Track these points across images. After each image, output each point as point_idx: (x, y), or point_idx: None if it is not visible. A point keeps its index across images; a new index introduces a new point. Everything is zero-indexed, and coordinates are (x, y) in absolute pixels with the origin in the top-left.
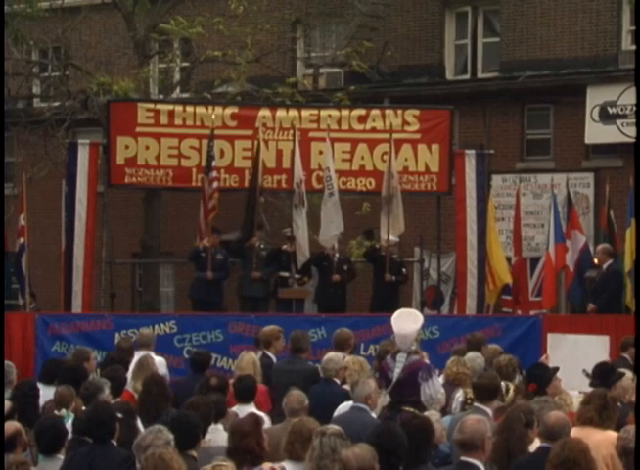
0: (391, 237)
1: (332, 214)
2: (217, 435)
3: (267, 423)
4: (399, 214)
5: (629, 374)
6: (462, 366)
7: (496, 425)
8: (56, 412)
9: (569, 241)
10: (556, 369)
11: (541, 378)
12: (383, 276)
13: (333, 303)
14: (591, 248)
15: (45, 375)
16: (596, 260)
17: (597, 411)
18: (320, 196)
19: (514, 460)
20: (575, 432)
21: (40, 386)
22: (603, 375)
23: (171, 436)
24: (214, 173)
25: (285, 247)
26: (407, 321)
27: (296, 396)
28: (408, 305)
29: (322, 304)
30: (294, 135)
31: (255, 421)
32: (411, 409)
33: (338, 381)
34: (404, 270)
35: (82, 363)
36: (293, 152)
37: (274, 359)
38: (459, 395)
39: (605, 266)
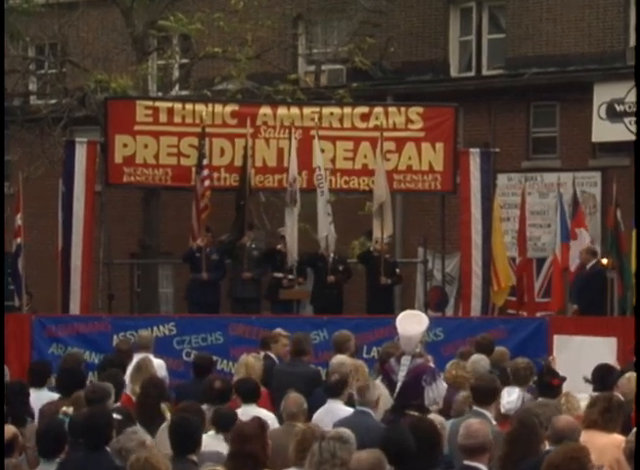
0: (384, 238)
1: (320, 215)
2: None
3: (276, 424)
4: (389, 215)
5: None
6: (461, 369)
7: (506, 432)
8: (64, 408)
9: (573, 241)
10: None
11: (558, 374)
12: (376, 278)
13: (329, 304)
14: (598, 248)
15: (35, 378)
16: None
17: (601, 414)
18: None
19: (521, 463)
20: (582, 436)
21: (30, 390)
22: (603, 377)
23: (147, 437)
24: (205, 172)
25: (279, 247)
26: (412, 323)
27: (293, 399)
28: (411, 307)
29: (318, 305)
30: (289, 133)
31: (260, 425)
32: (415, 413)
33: None
34: (398, 271)
35: (79, 366)
36: (289, 149)
37: (276, 360)
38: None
39: (588, 266)
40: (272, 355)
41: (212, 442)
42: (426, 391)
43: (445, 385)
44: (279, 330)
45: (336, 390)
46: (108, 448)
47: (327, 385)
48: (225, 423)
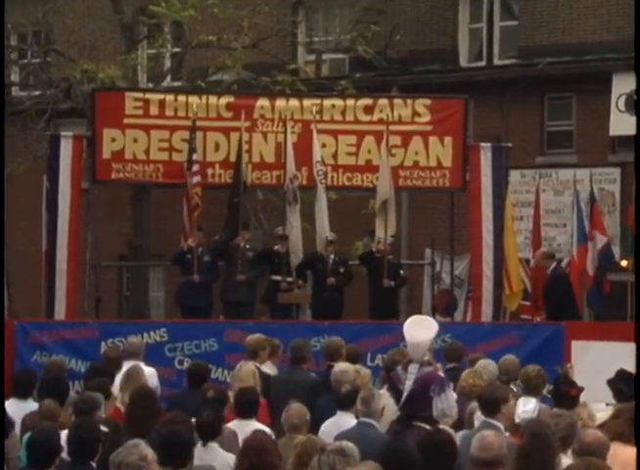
0: (388, 238)
1: (322, 213)
2: (213, 454)
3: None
4: (392, 213)
5: None
6: (478, 378)
7: (518, 446)
8: None
9: (590, 243)
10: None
11: (576, 384)
12: (379, 281)
13: (328, 308)
14: (618, 248)
15: (19, 388)
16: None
17: (628, 426)
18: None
19: None
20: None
21: (14, 402)
22: (627, 385)
23: (148, 451)
24: (196, 167)
25: (277, 247)
26: (420, 329)
27: (296, 410)
28: (418, 312)
29: (317, 309)
30: (285, 126)
31: (272, 438)
32: (424, 425)
33: None
34: (402, 272)
35: (62, 374)
36: (285, 144)
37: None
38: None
39: (549, 271)
40: (258, 365)
41: (210, 454)
42: (434, 401)
43: (455, 395)
44: (262, 336)
45: (346, 402)
46: (93, 463)
47: (338, 396)
48: (213, 428)
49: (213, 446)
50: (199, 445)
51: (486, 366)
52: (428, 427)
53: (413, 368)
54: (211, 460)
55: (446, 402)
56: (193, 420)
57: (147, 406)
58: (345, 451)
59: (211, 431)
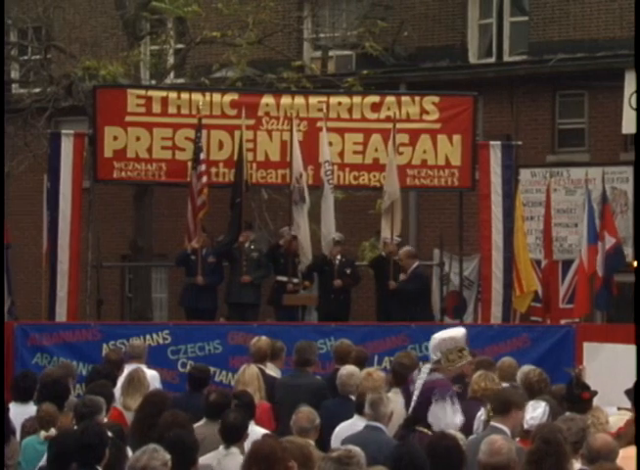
0: (394, 238)
1: (327, 214)
2: (232, 460)
3: None
4: (399, 213)
5: None
6: (490, 381)
7: (528, 451)
8: (43, 433)
9: (600, 243)
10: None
11: (589, 387)
12: (386, 283)
13: (335, 310)
14: (630, 250)
15: (20, 392)
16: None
17: None
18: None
19: None
20: (623, 452)
21: (14, 405)
22: None
23: (168, 456)
24: (203, 167)
25: (281, 242)
26: (449, 332)
27: (306, 413)
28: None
29: (323, 311)
30: (291, 123)
31: (283, 446)
32: (425, 429)
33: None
34: None
35: (66, 379)
36: (291, 143)
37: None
38: (480, 413)
39: (410, 271)
40: (262, 368)
41: (228, 459)
42: (431, 406)
43: (459, 409)
44: (267, 339)
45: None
46: (99, 468)
47: (358, 400)
48: (236, 432)
49: (234, 451)
50: (220, 447)
51: (528, 372)
52: (429, 432)
53: (426, 368)
54: (228, 466)
55: (442, 413)
56: (195, 425)
57: (156, 414)
58: (348, 459)
59: (234, 434)
